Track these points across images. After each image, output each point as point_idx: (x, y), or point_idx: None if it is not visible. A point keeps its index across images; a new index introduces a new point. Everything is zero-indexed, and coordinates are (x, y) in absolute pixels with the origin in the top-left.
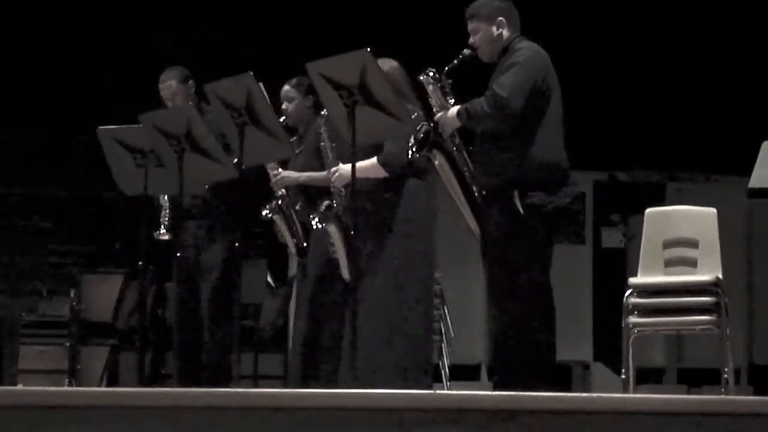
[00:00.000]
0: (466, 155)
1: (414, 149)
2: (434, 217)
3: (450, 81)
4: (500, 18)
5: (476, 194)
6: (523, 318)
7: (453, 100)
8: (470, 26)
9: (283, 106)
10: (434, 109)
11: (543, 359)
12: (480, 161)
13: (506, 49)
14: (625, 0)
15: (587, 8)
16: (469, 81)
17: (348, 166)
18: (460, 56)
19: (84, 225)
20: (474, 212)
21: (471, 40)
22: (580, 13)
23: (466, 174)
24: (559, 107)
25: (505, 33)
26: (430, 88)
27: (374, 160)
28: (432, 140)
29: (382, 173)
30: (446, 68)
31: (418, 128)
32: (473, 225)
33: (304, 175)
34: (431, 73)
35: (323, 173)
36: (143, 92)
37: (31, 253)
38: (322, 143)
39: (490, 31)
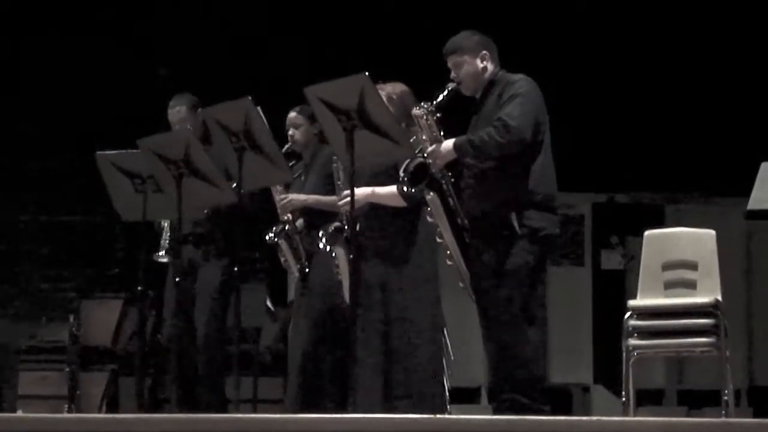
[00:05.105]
0: (452, 190)
1: (408, 183)
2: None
3: (439, 115)
4: (484, 51)
5: (464, 230)
6: (515, 343)
7: (443, 134)
8: (451, 61)
9: (290, 133)
10: (426, 142)
11: (535, 381)
12: (474, 187)
13: (492, 83)
14: (623, 23)
15: (587, 31)
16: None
17: (361, 190)
18: (446, 91)
19: (83, 250)
20: (462, 248)
21: (453, 75)
22: (580, 36)
23: (456, 210)
24: (549, 138)
25: (490, 66)
26: (424, 121)
27: (394, 189)
28: (429, 176)
29: (401, 203)
30: (434, 102)
31: (408, 161)
32: (460, 262)
33: (312, 198)
34: (426, 106)
35: (331, 197)
36: (142, 117)
37: (30, 279)
38: (335, 165)
39: (474, 64)
